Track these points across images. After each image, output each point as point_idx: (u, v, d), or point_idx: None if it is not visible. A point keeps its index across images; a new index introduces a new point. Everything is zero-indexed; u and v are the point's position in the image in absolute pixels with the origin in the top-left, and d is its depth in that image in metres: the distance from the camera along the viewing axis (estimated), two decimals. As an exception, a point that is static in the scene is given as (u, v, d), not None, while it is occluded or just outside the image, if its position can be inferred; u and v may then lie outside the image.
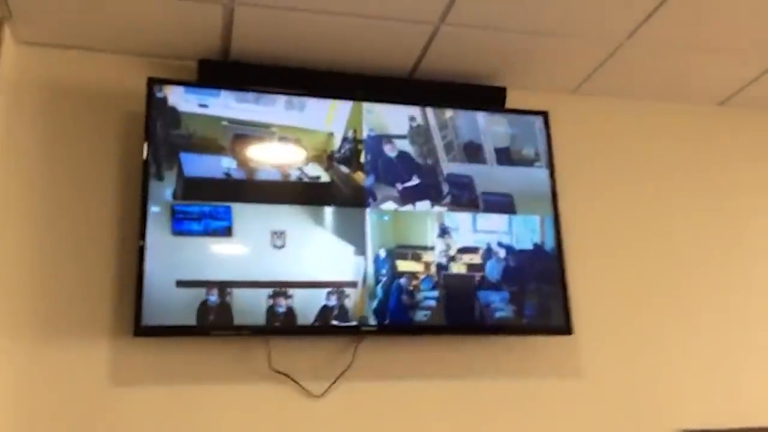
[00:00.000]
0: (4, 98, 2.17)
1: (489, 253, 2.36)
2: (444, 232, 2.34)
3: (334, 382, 2.20)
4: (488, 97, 2.57)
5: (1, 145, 2.15)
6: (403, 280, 2.26)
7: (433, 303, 2.27)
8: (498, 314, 2.31)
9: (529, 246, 2.40)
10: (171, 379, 2.10)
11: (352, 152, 2.34)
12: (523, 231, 2.41)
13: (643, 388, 2.46)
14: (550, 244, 2.41)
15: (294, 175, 2.27)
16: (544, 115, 2.54)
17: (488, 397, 2.32)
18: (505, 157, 2.48)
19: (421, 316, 2.24)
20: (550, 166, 2.50)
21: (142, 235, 2.07)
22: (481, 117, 2.49)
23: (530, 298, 2.34)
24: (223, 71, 2.37)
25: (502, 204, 2.42)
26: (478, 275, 2.33)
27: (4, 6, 2.10)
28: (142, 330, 2.01)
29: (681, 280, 2.62)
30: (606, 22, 2.29)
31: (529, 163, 2.50)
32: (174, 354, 2.12)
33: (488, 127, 2.49)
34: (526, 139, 2.51)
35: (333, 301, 2.18)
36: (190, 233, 2.12)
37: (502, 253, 2.37)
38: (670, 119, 2.82)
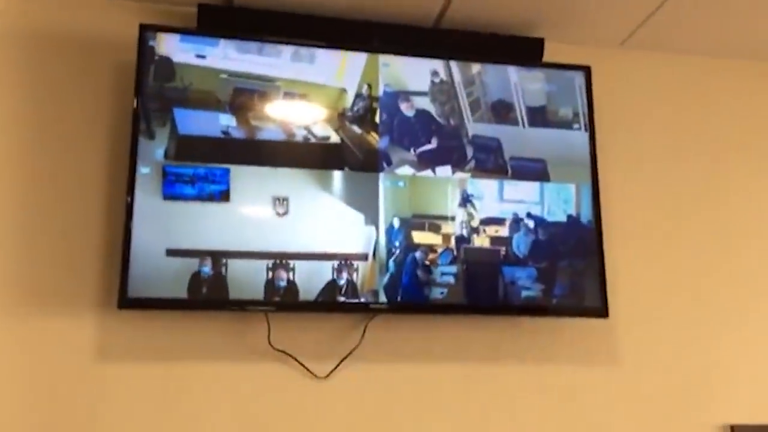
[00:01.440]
0: (-14, 46, 2.00)
1: (516, 224, 2.12)
2: (466, 200, 2.11)
3: (339, 363, 2.01)
4: (523, 50, 2.29)
5: (-19, 98, 1.99)
6: (418, 254, 2.04)
7: (451, 279, 2.05)
8: (524, 293, 2.08)
9: (562, 218, 2.15)
10: (160, 356, 1.94)
11: (366, 110, 2.11)
12: (556, 201, 2.16)
13: (685, 377, 2.22)
14: (586, 215, 2.16)
15: (300, 134, 2.05)
16: (586, 70, 2.27)
17: (511, 383, 2.11)
18: (539, 117, 2.22)
19: (437, 293, 2.03)
20: (590, 129, 2.22)
21: (130, 199, 1.89)
22: (513, 72, 2.22)
23: (561, 275, 2.10)
24: (227, 17, 2.15)
25: (534, 170, 2.17)
26: (503, 249, 2.09)
27: (-18, -56, 1.92)
28: (127, 302, 1.84)
29: (734, 260, 2.34)
30: (659, -37, 2.01)
31: (566, 124, 2.23)
32: (163, 328, 1.95)
33: (521, 84, 2.22)
34: (564, 98, 2.24)
35: (339, 275, 1.98)
36: (183, 197, 1.93)
37: (531, 224, 2.13)
38: (729, 78, 2.51)
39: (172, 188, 1.93)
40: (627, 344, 2.20)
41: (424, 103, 2.15)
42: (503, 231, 2.11)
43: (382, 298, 1.99)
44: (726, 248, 2.35)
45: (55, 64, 2.07)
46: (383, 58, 2.14)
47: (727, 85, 2.51)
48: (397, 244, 2.04)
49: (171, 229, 1.91)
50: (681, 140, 2.42)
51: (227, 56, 2.04)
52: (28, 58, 2.05)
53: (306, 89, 2.09)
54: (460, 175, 2.12)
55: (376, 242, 2.02)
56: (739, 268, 2.34)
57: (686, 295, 2.29)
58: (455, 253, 2.07)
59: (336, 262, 1.98)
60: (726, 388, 2.24)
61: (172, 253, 1.89)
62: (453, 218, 2.09)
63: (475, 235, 2.09)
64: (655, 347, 2.22)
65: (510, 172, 2.15)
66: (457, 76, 2.19)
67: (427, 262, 2.04)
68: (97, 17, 2.11)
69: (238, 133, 2.02)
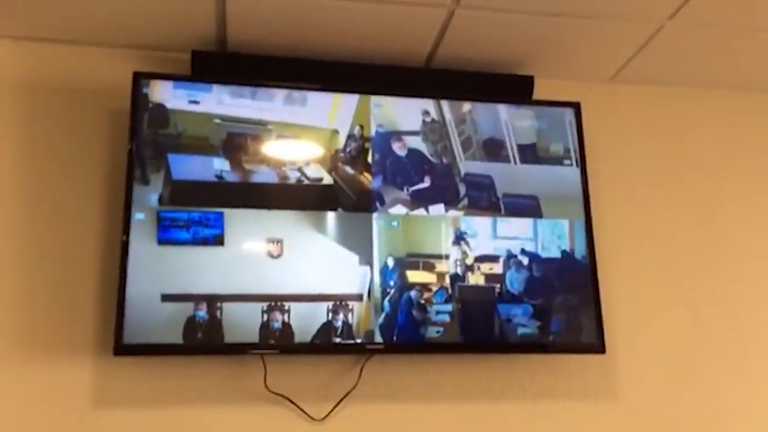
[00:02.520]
0: (-17, 96, 2.03)
1: (510, 261, 2.12)
2: (460, 238, 2.11)
3: (337, 405, 2.00)
4: (512, 88, 2.32)
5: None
6: (413, 293, 2.04)
7: (446, 318, 2.04)
8: (520, 330, 2.07)
9: (556, 254, 2.15)
10: (156, 401, 1.93)
11: (359, 151, 2.13)
12: (550, 237, 2.16)
13: (684, 412, 2.20)
14: (580, 251, 2.16)
15: (293, 177, 2.07)
16: (576, 106, 2.28)
17: (509, 421, 2.10)
18: (530, 154, 2.23)
19: (433, 332, 2.02)
20: (582, 164, 2.24)
21: (125, 245, 1.90)
22: (503, 110, 2.24)
23: (557, 312, 2.10)
24: (220, 63, 2.18)
25: (526, 207, 2.18)
26: (497, 287, 2.09)
27: (-22, -2, 1.95)
28: (123, 348, 1.84)
29: (731, 292, 2.33)
30: (645, 1, 2.02)
31: (557, 160, 2.24)
32: (159, 374, 1.94)
33: (512, 121, 2.24)
34: (555, 134, 2.26)
35: (335, 316, 1.98)
36: (178, 242, 1.94)
37: (525, 261, 2.13)
38: (719, 109, 2.52)
39: (166, 233, 1.94)
40: (625, 379, 2.19)
41: (416, 143, 2.17)
42: (497, 268, 2.11)
43: (378, 338, 1.99)
44: (723, 280, 2.34)
45: (49, 112, 2.09)
46: (375, 99, 2.16)
47: (717, 117, 2.51)
48: (391, 283, 2.04)
49: (166, 274, 1.91)
50: (673, 172, 2.42)
51: (220, 101, 2.07)
52: (24, 106, 2.08)
53: (298, 131, 2.11)
54: (453, 213, 2.13)
55: (371, 282, 2.03)
56: (737, 300, 2.33)
57: (684, 328, 2.28)
58: (450, 291, 2.07)
59: (331, 303, 1.98)
60: (725, 422, 2.22)
61: (167, 298, 1.89)
62: (447, 256, 2.10)
63: (469, 273, 2.09)
64: (654, 382, 2.21)
65: (503, 209, 2.16)
66: (448, 115, 2.21)
67: (423, 301, 2.04)
68: (91, 65, 2.15)
69: (231, 177, 2.03)
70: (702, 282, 2.33)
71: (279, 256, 1.99)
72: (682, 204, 2.40)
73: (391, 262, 2.06)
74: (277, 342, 1.93)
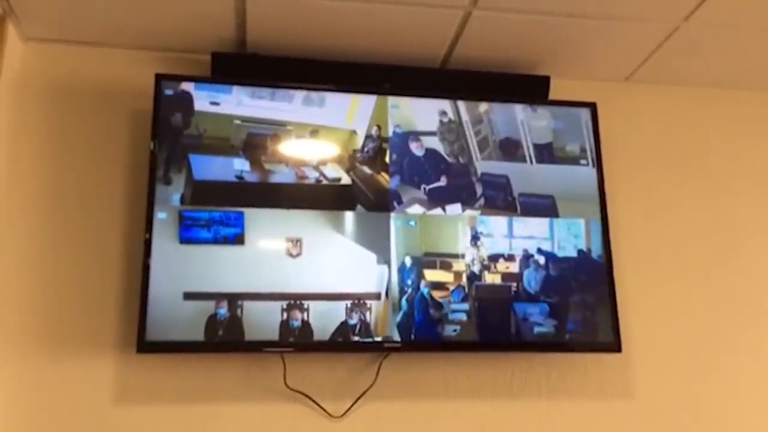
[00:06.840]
0: (9, 97, 2.06)
1: (527, 260, 2.14)
2: (476, 238, 2.13)
3: (355, 402, 2.03)
4: (529, 88, 2.33)
5: (4, 148, 2.05)
6: (430, 292, 2.07)
7: (463, 316, 2.06)
8: (537, 329, 2.09)
9: (572, 253, 2.17)
10: (177, 398, 1.96)
11: (376, 151, 2.15)
12: (566, 236, 2.18)
13: (700, 411, 2.21)
14: (596, 250, 2.18)
15: (312, 177, 2.10)
16: (592, 106, 2.30)
17: (525, 419, 2.11)
18: (546, 154, 2.25)
19: (450, 331, 2.04)
20: (598, 164, 2.25)
21: (148, 244, 1.93)
22: (519, 110, 2.26)
23: (573, 311, 2.11)
24: (239, 64, 2.20)
25: (543, 206, 2.19)
26: (514, 286, 2.11)
27: (4, 2, 1.99)
28: (145, 346, 1.88)
29: (748, 292, 2.34)
30: (661, 2, 2.03)
31: (573, 160, 2.25)
32: (181, 371, 1.98)
33: (528, 121, 2.26)
34: (571, 134, 2.27)
35: (353, 315, 2.00)
36: (199, 241, 1.98)
37: (541, 260, 2.15)
38: (735, 108, 2.52)
39: (188, 232, 1.97)
40: (641, 378, 2.20)
41: (433, 143, 2.19)
42: (514, 267, 2.13)
43: (396, 336, 2.01)
44: (738, 278, 2.34)
45: (73, 112, 2.13)
46: (392, 100, 2.19)
47: (733, 117, 2.52)
48: (409, 282, 2.06)
49: (188, 272, 1.94)
50: (688, 172, 2.43)
51: (240, 102, 2.10)
52: (49, 107, 2.12)
53: (317, 132, 2.13)
54: (469, 212, 2.15)
55: (389, 281, 2.05)
56: (753, 298, 2.33)
57: (699, 327, 2.28)
58: (467, 290, 2.09)
59: (349, 302, 2.01)
60: (742, 420, 2.22)
61: (189, 296, 1.93)
62: (464, 256, 2.11)
63: (486, 272, 2.11)
64: (670, 381, 2.21)
65: (519, 208, 2.18)
66: (465, 115, 2.23)
67: (440, 300, 2.06)
68: (114, 67, 2.18)
69: (251, 177, 2.06)
70: (718, 280, 2.34)
71: (298, 255, 2.02)
72: (698, 203, 2.40)
73: (408, 261, 2.08)
74: (296, 340, 1.96)
